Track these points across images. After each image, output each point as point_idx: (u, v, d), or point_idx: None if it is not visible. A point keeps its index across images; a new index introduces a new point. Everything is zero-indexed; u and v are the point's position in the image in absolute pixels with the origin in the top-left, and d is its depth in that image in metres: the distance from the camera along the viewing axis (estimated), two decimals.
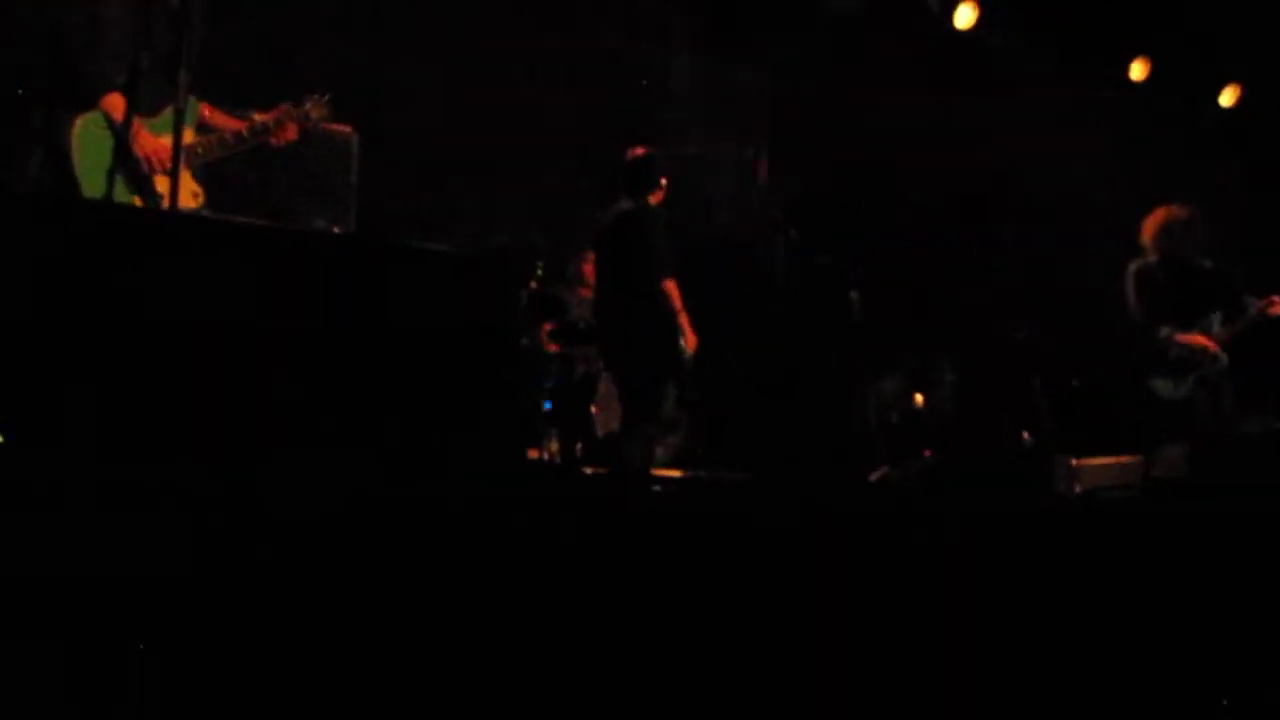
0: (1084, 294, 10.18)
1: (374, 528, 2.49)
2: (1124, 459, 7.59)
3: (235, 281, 3.29)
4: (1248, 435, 6.53)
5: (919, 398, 9.02)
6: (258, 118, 4.61)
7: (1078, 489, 7.41)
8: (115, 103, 4.20)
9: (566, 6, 8.35)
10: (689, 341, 5.67)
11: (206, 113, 4.54)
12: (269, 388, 3.21)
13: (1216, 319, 5.65)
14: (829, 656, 2.61)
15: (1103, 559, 3.34)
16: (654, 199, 5.80)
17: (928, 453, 8.35)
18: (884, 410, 8.45)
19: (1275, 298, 5.61)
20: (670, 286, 5.63)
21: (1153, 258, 5.91)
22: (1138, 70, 10.43)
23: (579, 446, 7.03)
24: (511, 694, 2.36)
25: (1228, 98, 10.93)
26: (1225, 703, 2.41)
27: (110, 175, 4.16)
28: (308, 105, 4.68)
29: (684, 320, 5.65)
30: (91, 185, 4.16)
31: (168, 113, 4.17)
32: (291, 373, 3.24)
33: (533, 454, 6.58)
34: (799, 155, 9.56)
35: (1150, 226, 5.98)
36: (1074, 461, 7.66)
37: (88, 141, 4.18)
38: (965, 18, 9.38)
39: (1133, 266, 6.03)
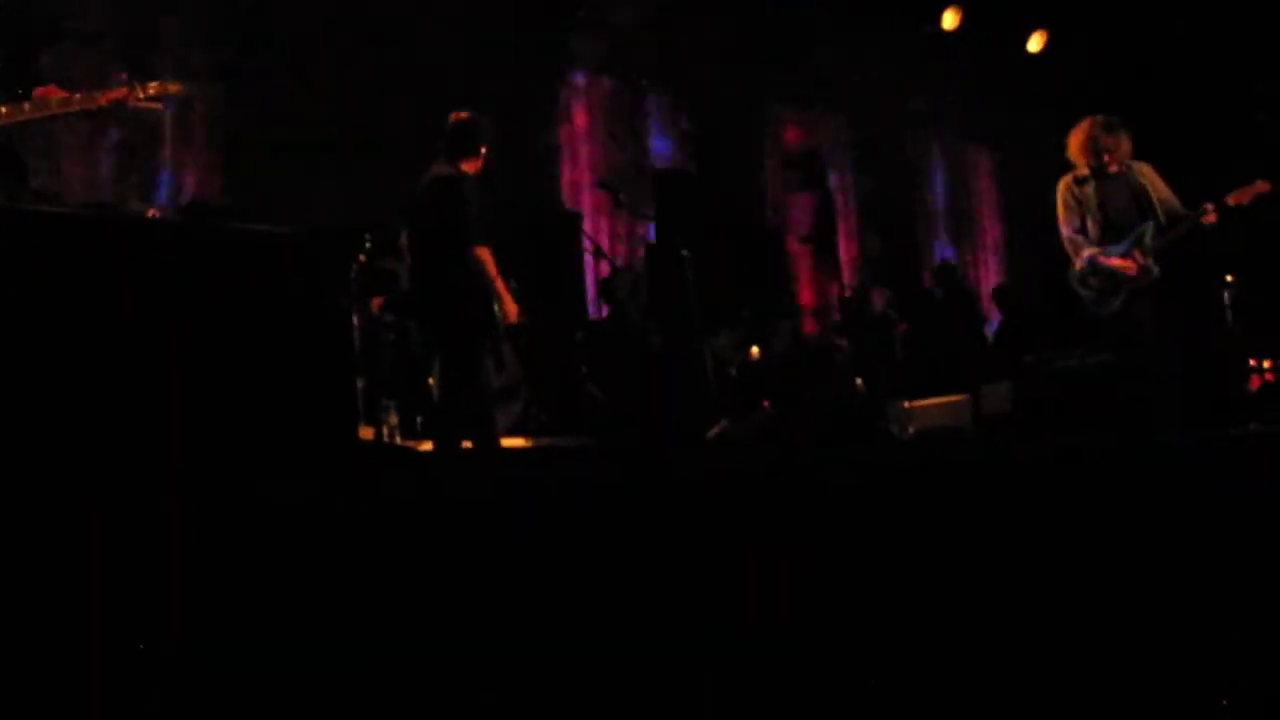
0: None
1: (203, 522, 2.42)
2: (953, 398, 7.86)
3: (50, 271, 3.16)
4: (1067, 368, 6.78)
5: (755, 350, 9.16)
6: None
7: (911, 430, 7.66)
8: None
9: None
10: (509, 309, 5.60)
11: (41, 93, 4.38)
12: (89, 380, 3.09)
13: (1149, 229, 5.72)
14: (668, 615, 2.64)
15: (938, 501, 3.44)
16: (469, 165, 5.70)
17: (766, 404, 8.49)
18: (721, 364, 8.55)
19: (1209, 205, 5.68)
20: (483, 253, 5.53)
21: (1081, 172, 5.91)
22: (949, 19, 10.74)
23: (419, 419, 6.95)
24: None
25: (1035, 43, 11.33)
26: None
27: None
28: (164, 82, 4.59)
29: (500, 287, 5.57)
30: None
31: None
32: (111, 364, 3.13)
33: (368, 432, 6.48)
34: None
35: (1076, 139, 5.97)
36: (906, 404, 7.90)
37: None
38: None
39: (1062, 182, 6.01)
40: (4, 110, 4.27)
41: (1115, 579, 2.81)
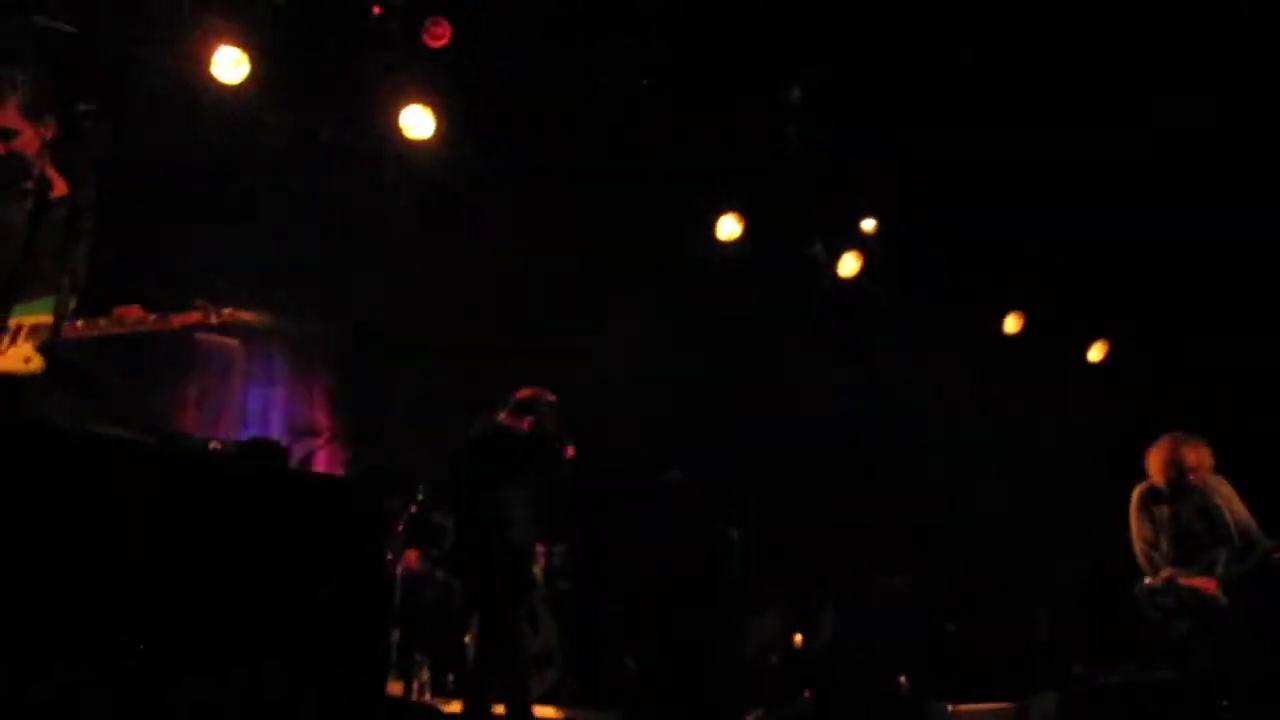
0: (963, 537, 10.36)
1: None
2: (999, 705, 7.60)
3: (100, 500, 3.20)
4: (1122, 684, 6.56)
5: (798, 638, 8.98)
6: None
7: None
8: None
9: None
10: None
11: (123, 313, 4.43)
12: (130, 613, 3.09)
13: (1222, 556, 5.63)
14: None
15: None
16: (518, 425, 5.85)
17: (808, 693, 8.26)
18: (763, 650, 8.38)
19: None
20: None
21: (1158, 485, 5.87)
22: (1012, 324, 10.88)
23: (450, 677, 6.83)
24: None
25: (1096, 353, 11.42)
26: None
27: None
28: (238, 309, 4.62)
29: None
30: None
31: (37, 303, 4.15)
32: (149, 599, 3.13)
33: (397, 686, 6.37)
34: None
35: (1157, 455, 5.94)
36: (950, 707, 7.64)
37: None
38: (849, 266, 9.78)
39: (1137, 494, 5.96)
40: (80, 325, 4.30)
41: None
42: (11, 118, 4.18)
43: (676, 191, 8.77)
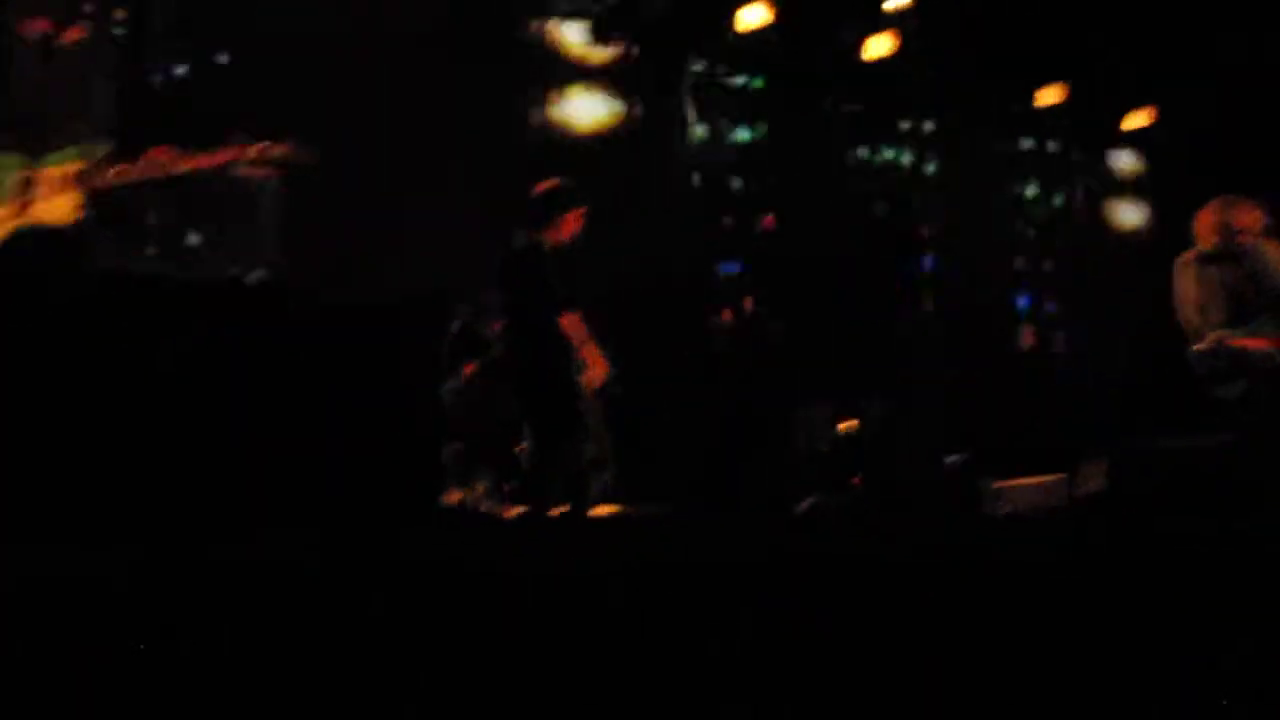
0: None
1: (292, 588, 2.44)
2: (1046, 478, 7.68)
3: (145, 335, 3.23)
4: (1173, 449, 6.58)
5: (845, 425, 9.05)
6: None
7: (1004, 510, 7.49)
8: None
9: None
10: (597, 372, 5.64)
11: (154, 154, 4.33)
12: (183, 445, 3.15)
13: (1271, 318, 5.56)
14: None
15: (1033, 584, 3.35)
16: (552, 234, 5.80)
17: (857, 480, 8.37)
18: (813, 439, 8.47)
19: None
20: (569, 321, 5.60)
21: (1205, 250, 5.76)
22: (1050, 95, 10.61)
23: (507, 486, 6.97)
24: None
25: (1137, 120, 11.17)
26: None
27: None
28: (270, 143, 4.50)
29: (589, 352, 5.62)
30: None
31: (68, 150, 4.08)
32: (205, 428, 3.18)
33: (456, 497, 6.52)
34: None
35: (1206, 218, 5.81)
36: (997, 483, 7.74)
37: None
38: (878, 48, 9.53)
39: (1183, 258, 5.86)
40: (113, 172, 4.20)
41: (1233, 683, 2.70)
42: None
43: None
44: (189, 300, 3.41)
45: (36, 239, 3.96)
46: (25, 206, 4.07)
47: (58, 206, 4.07)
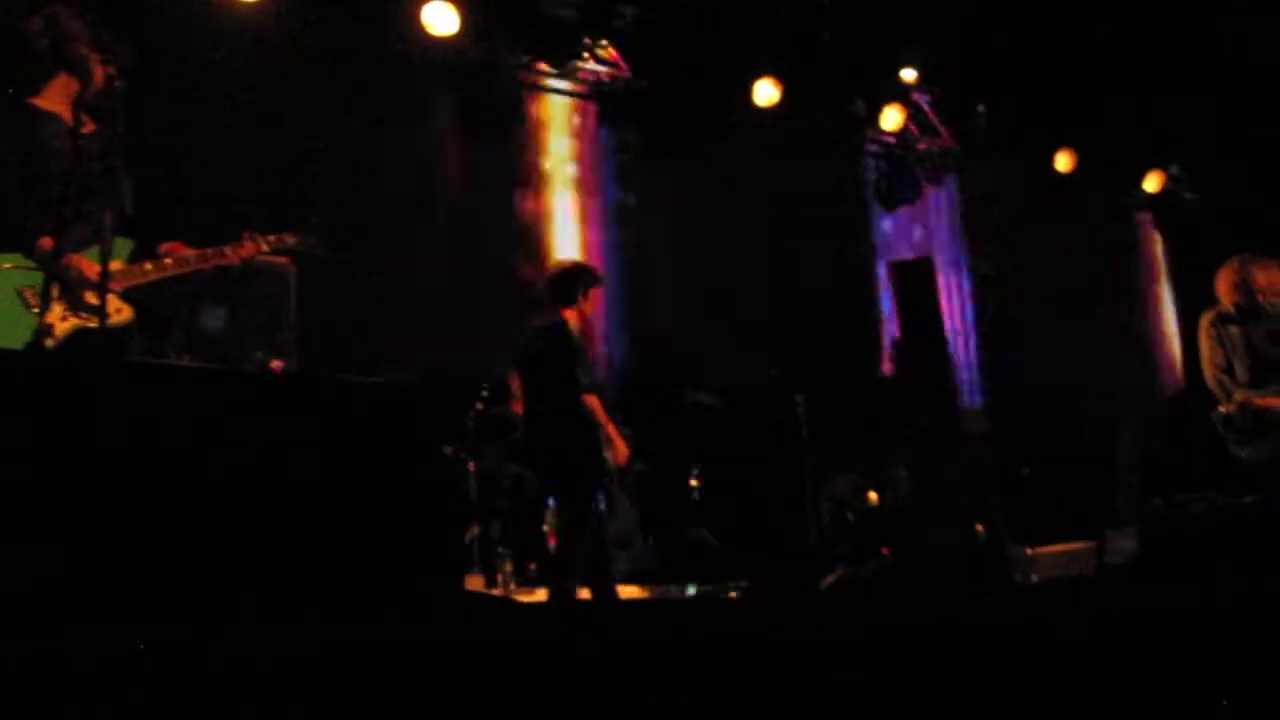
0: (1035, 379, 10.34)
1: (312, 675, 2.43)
2: (1077, 545, 7.61)
3: (174, 423, 3.25)
4: (1202, 513, 6.51)
5: (873, 495, 9.00)
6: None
7: (1035, 578, 7.41)
8: (46, 243, 4.07)
9: None
10: (619, 453, 5.67)
11: (169, 249, 4.37)
12: (206, 532, 3.16)
13: None
14: None
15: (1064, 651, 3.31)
16: (571, 313, 5.86)
17: (886, 550, 8.30)
18: (839, 510, 8.43)
19: None
20: (592, 400, 5.65)
21: (1226, 309, 5.76)
22: (1063, 162, 10.65)
23: (532, 566, 6.95)
24: None
25: (1151, 184, 11.18)
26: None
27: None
28: (282, 235, 4.57)
29: (612, 432, 5.66)
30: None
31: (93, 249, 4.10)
32: (227, 515, 3.19)
33: (476, 582, 6.50)
34: None
35: (1226, 277, 5.83)
36: (1029, 550, 7.66)
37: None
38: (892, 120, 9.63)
39: (1205, 319, 5.86)
40: (149, 267, 4.23)
41: None
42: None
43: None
44: (223, 392, 3.42)
45: (96, 338, 3.94)
46: (73, 304, 4.08)
47: (111, 306, 4.04)
